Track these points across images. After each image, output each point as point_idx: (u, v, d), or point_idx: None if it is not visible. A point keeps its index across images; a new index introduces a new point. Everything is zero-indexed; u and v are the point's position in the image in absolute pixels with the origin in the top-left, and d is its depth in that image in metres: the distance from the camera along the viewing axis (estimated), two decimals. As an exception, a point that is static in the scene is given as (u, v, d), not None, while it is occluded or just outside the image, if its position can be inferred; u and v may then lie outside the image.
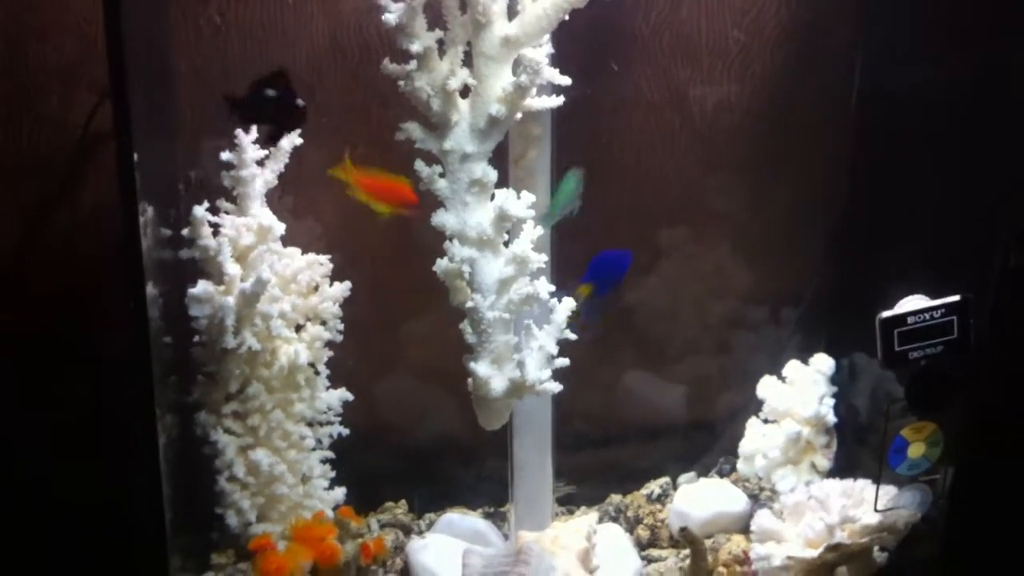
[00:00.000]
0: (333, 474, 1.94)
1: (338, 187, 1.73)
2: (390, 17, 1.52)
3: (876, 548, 1.78)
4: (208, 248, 1.73)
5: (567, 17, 1.57)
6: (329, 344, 1.88)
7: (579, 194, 1.68)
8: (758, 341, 2.14)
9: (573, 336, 1.66)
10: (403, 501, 2.06)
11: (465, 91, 1.61)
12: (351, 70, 1.85)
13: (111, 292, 1.71)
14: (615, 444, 2.13)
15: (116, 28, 1.43)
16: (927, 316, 1.61)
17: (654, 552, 1.96)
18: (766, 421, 2.08)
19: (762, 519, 1.80)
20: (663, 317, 2.09)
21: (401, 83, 1.59)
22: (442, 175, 1.62)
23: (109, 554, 1.92)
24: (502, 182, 1.66)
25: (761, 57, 1.98)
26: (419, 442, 2.05)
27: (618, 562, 1.88)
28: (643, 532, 1.99)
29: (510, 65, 1.59)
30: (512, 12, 1.58)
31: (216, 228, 1.76)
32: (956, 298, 1.61)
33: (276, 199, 1.83)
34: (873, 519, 1.72)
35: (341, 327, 1.88)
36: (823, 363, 2.04)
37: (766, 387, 2.06)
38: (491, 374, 1.64)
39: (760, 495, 2.04)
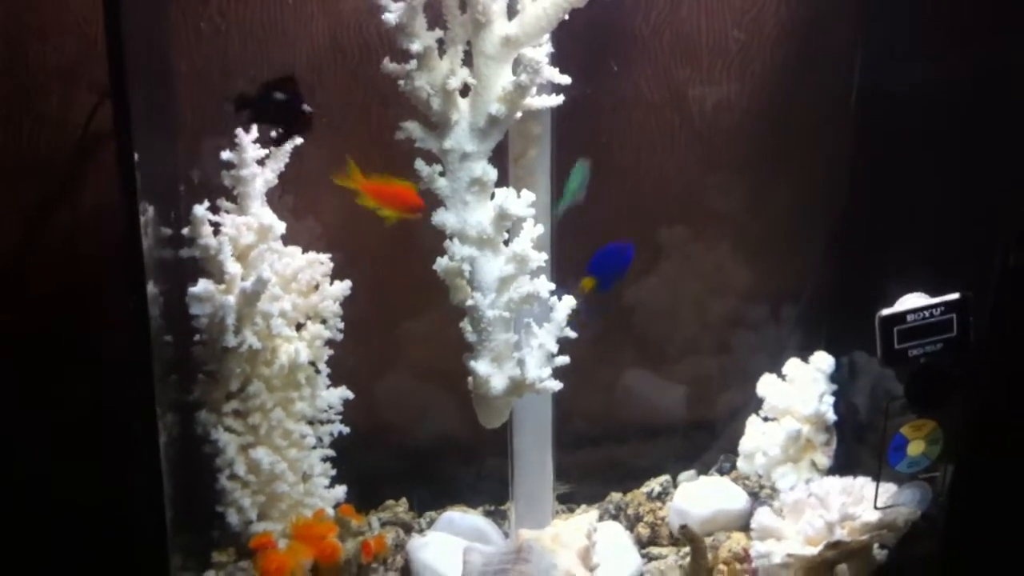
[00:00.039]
0: (334, 472, 1.95)
1: (338, 186, 1.73)
2: (390, 17, 1.53)
3: (876, 545, 1.78)
4: (209, 247, 1.73)
5: (567, 16, 1.57)
6: (329, 343, 1.89)
7: (586, 184, 1.69)
8: (758, 340, 2.14)
9: (573, 334, 1.67)
10: (403, 499, 2.06)
11: (465, 90, 1.61)
12: (351, 70, 1.85)
13: (111, 292, 1.72)
14: (615, 442, 2.13)
15: (116, 27, 1.44)
16: (927, 314, 1.61)
17: (654, 550, 1.96)
18: (766, 419, 2.09)
19: (762, 517, 1.80)
20: (663, 316, 2.09)
21: (401, 82, 1.59)
22: (442, 174, 1.62)
23: (109, 554, 1.93)
24: (502, 181, 1.66)
25: (761, 56, 1.98)
26: (419, 440, 2.05)
27: (618, 560, 1.88)
28: (643, 530, 1.99)
29: (510, 64, 1.60)
30: (512, 12, 1.58)
31: (217, 227, 1.76)
32: (956, 296, 1.61)
33: (276, 198, 1.83)
34: (873, 517, 1.72)
35: (341, 326, 1.88)
36: (823, 361, 2.04)
37: (766, 385, 2.07)
38: (491, 372, 1.65)
39: (760, 493, 2.05)
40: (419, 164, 1.62)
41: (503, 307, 1.63)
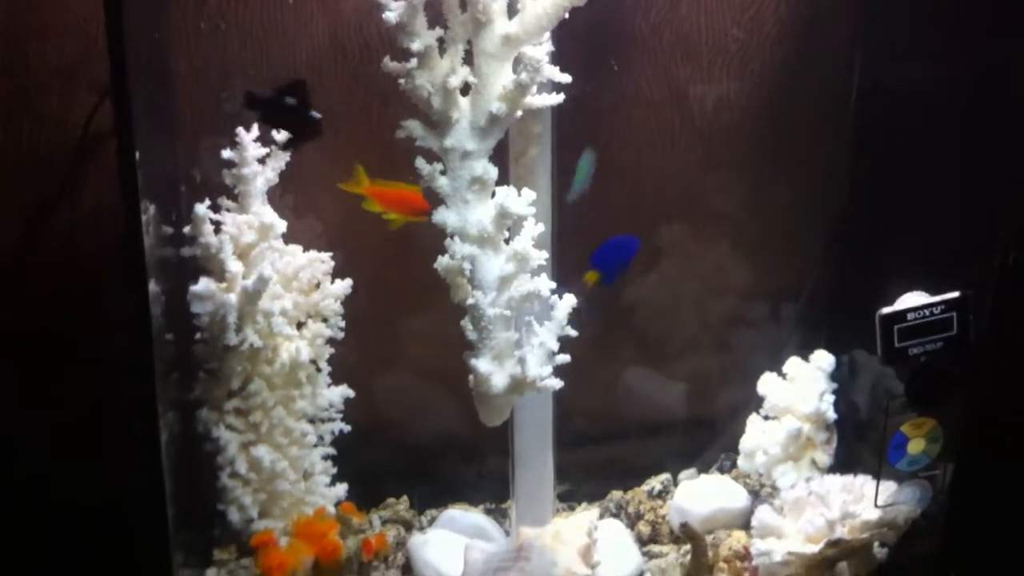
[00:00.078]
0: (335, 470, 1.95)
1: (339, 185, 1.74)
2: (391, 15, 1.53)
3: (876, 544, 1.79)
4: (210, 246, 1.73)
5: (567, 15, 1.57)
6: (331, 341, 1.89)
7: (592, 173, 1.70)
8: (758, 338, 2.14)
9: (574, 333, 1.67)
10: (405, 497, 2.07)
11: (465, 89, 1.61)
12: (351, 70, 1.85)
13: (111, 292, 1.72)
14: (616, 440, 2.13)
15: (117, 24, 1.44)
16: (927, 312, 1.61)
17: (655, 548, 1.96)
18: (767, 418, 2.09)
19: (763, 515, 1.80)
20: (664, 314, 2.09)
21: (402, 81, 1.59)
22: (443, 172, 1.62)
23: (110, 554, 1.93)
24: (503, 180, 1.66)
25: (761, 55, 1.98)
26: (420, 438, 2.05)
27: (619, 558, 1.88)
28: (644, 528, 1.99)
29: (510, 63, 1.60)
30: (512, 10, 1.58)
31: (218, 226, 1.76)
32: (956, 294, 1.61)
33: (277, 197, 1.84)
34: (873, 515, 1.72)
35: (342, 324, 1.88)
36: (823, 360, 2.05)
37: (767, 384, 2.07)
38: (492, 370, 1.65)
39: (761, 491, 2.05)
40: (420, 162, 1.62)
41: (504, 305, 1.63)
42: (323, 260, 1.87)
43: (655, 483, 2.08)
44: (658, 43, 1.94)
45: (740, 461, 2.12)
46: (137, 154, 1.48)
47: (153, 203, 1.57)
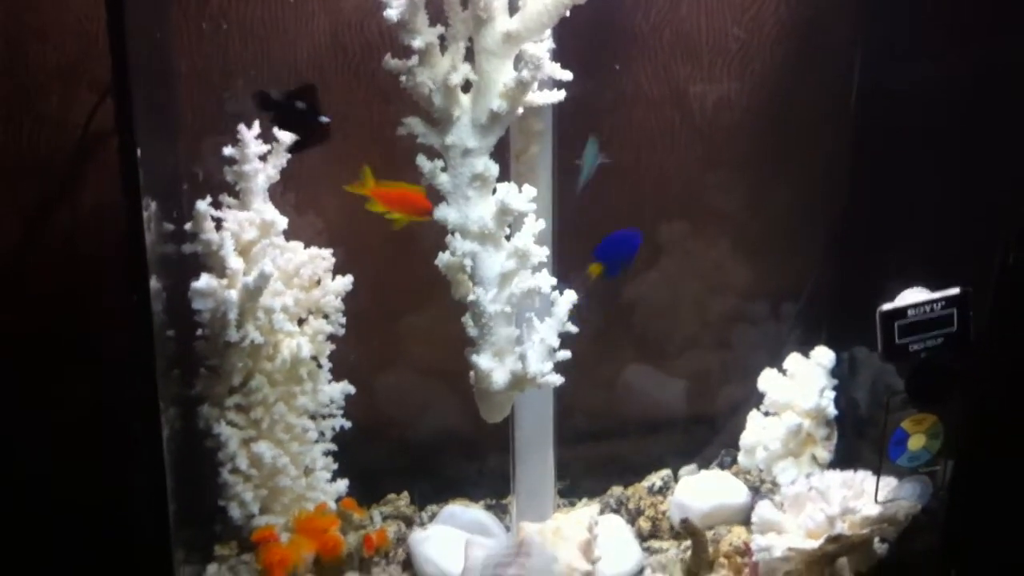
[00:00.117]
0: (336, 466, 1.95)
1: (340, 182, 1.74)
2: (392, 13, 1.53)
3: (876, 539, 1.79)
4: (211, 242, 1.74)
5: (568, 13, 1.57)
6: (331, 338, 1.89)
7: (597, 159, 1.73)
8: (759, 335, 2.14)
9: (574, 329, 1.67)
10: (405, 493, 2.07)
11: (467, 86, 1.61)
12: (352, 68, 1.85)
13: (112, 291, 1.71)
14: (617, 437, 2.14)
15: (119, 21, 1.44)
16: (927, 309, 1.61)
17: (655, 543, 1.97)
18: (767, 414, 2.09)
19: (763, 510, 1.80)
20: (665, 311, 2.10)
21: (403, 78, 1.59)
22: (444, 170, 1.63)
23: (110, 554, 1.93)
24: (504, 177, 1.67)
25: (761, 55, 1.98)
26: (421, 435, 2.06)
27: (620, 553, 1.89)
28: (644, 524, 2.00)
29: (511, 60, 1.60)
30: (513, 8, 1.58)
31: (219, 223, 1.76)
32: (956, 291, 1.61)
33: (278, 194, 1.84)
34: (873, 510, 1.72)
35: (343, 321, 1.89)
36: (823, 356, 2.05)
37: (767, 380, 2.07)
38: (493, 367, 1.65)
39: (761, 487, 2.05)
40: (421, 160, 1.62)
41: (504, 302, 1.63)
42: (324, 257, 1.87)
43: (655, 479, 2.09)
44: (658, 42, 1.94)
45: (740, 457, 2.12)
46: (139, 151, 1.49)
47: (154, 200, 1.57)
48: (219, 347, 1.78)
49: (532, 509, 1.88)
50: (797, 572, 1.75)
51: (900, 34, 1.89)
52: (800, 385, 2.04)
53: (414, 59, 1.58)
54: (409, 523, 2.01)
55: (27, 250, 1.87)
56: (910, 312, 1.61)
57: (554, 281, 1.66)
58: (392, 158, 1.67)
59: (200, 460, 1.82)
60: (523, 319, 1.66)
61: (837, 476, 1.82)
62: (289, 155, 1.79)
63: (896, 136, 1.91)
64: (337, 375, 1.92)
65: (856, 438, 2.00)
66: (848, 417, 2.02)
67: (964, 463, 1.69)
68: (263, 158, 1.79)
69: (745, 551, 1.86)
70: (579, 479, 2.08)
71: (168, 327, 1.67)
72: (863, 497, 1.75)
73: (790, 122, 2.03)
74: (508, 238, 1.65)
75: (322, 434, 1.92)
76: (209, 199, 1.74)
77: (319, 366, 1.90)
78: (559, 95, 1.65)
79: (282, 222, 1.82)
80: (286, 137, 1.77)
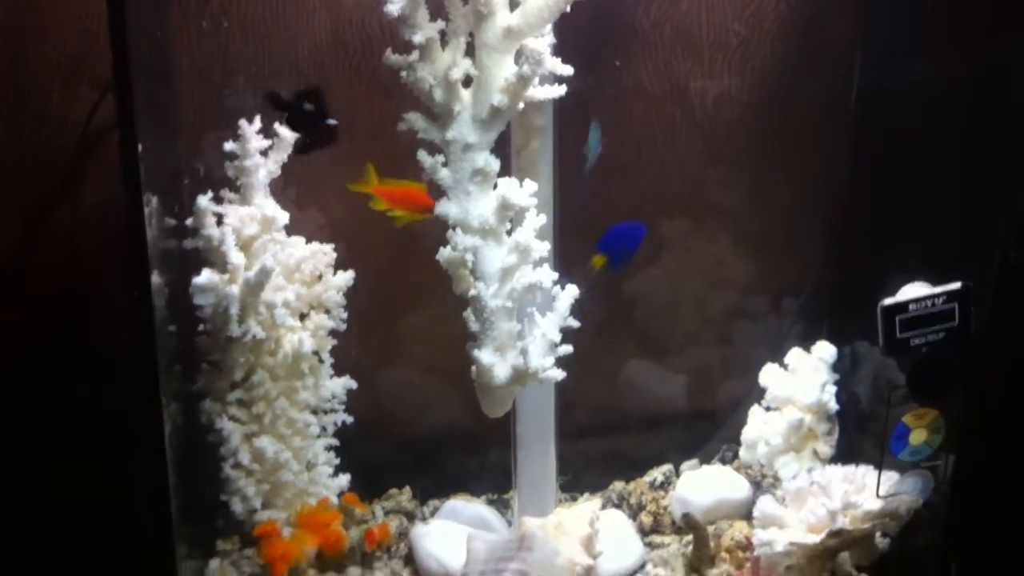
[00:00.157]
0: (338, 461, 1.95)
1: (341, 178, 1.74)
2: (392, 8, 1.53)
3: (878, 534, 1.79)
4: (212, 238, 1.74)
5: (568, 8, 1.57)
6: (333, 333, 1.89)
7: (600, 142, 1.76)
8: (760, 330, 2.14)
9: (576, 324, 1.67)
10: (407, 488, 2.07)
11: (467, 81, 1.61)
12: (353, 64, 1.85)
13: (113, 287, 1.71)
14: (618, 432, 2.14)
15: (120, 15, 1.44)
16: (928, 303, 1.61)
17: (657, 538, 1.97)
18: (768, 409, 2.09)
19: (764, 505, 1.80)
20: (666, 307, 2.10)
21: (403, 74, 1.60)
22: (445, 165, 1.63)
23: (110, 554, 1.93)
24: (504, 172, 1.67)
25: (762, 50, 1.98)
26: (422, 430, 2.06)
27: (621, 548, 1.89)
28: (646, 518, 2.00)
29: (512, 55, 1.60)
30: (514, 3, 1.58)
31: (220, 218, 1.76)
32: (957, 285, 1.61)
33: (279, 189, 1.84)
34: (875, 505, 1.73)
35: (345, 316, 1.89)
36: (825, 351, 2.05)
37: (768, 375, 2.07)
38: (494, 362, 1.65)
39: (762, 482, 2.05)
40: (422, 155, 1.62)
41: (506, 297, 1.63)
42: (325, 252, 1.87)
43: (657, 474, 2.09)
44: (659, 37, 1.94)
45: (742, 452, 2.12)
46: (140, 146, 1.49)
47: (155, 196, 1.58)
48: (221, 342, 1.78)
49: (534, 504, 1.89)
50: (798, 566, 1.75)
51: (900, 32, 1.89)
52: (801, 380, 2.04)
53: (415, 54, 1.58)
54: (411, 518, 2.01)
55: (27, 249, 1.87)
56: (911, 307, 1.62)
57: (555, 276, 1.66)
58: (393, 154, 1.67)
59: (202, 455, 1.82)
60: (524, 314, 1.67)
61: (838, 471, 1.82)
62: (297, 155, 1.79)
63: (897, 132, 1.91)
64: (339, 370, 1.92)
65: (857, 433, 2.00)
66: (849, 412, 2.02)
67: (965, 457, 1.69)
68: (264, 153, 1.79)
69: (746, 546, 1.86)
70: (581, 474, 2.08)
71: (170, 322, 1.67)
72: (864, 492, 1.76)
73: (791, 118, 2.03)
74: (509, 233, 1.65)
75: (324, 429, 1.93)
76: (210, 194, 1.74)
77: (321, 361, 1.90)
78: (560, 90, 1.65)
79: (283, 217, 1.82)
80: (288, 133, 1.77)
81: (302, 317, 1.87)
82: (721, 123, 2.00)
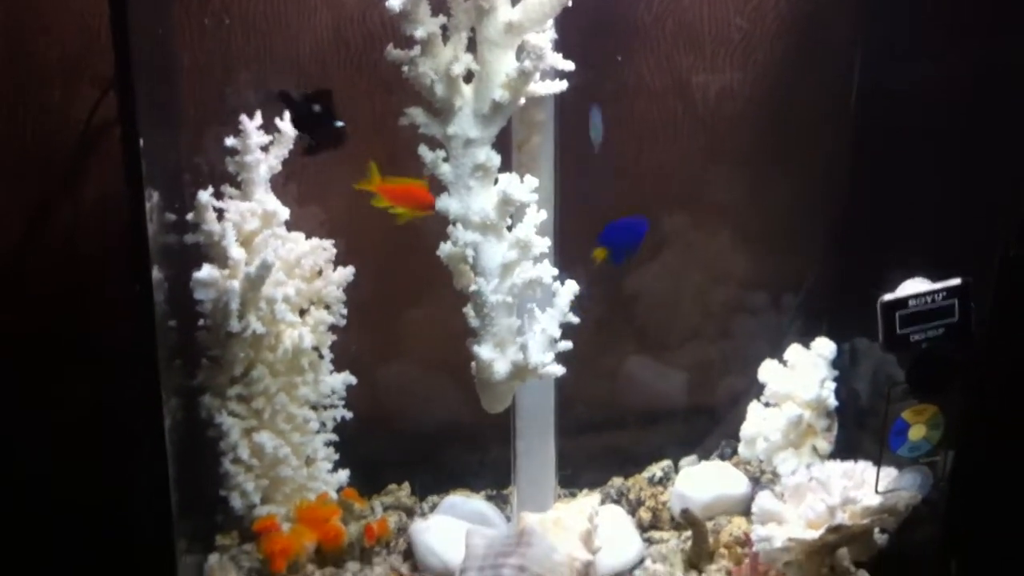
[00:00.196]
0: (337, 457, 1.95)
1: (341, 174, 1.74)
2: (394, 3, 1.53)
3: (877, 530, 1.79)
4: (212, 233, 1.74)
5: (570, 3, 1.57)
6: (333, 328, 1.89)
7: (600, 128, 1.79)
8: (759, 326, 2.14)
9: (576, 320, 1.67)
10: (406, 484, 2.07)
11: (468, 76, 1.61)
12: (355, 60, 1.85)
13: (114, 283, 1.72)
14: (617, 427, 2.14)
15: (122, 13, 1.44)
16: (928, 299, 1.61)
17: (656, 534, 1.97)
18: (767, 405, 2.09)
19: (763, 501, 1.80)
20: (666, 302, 2.10)
21: (405, 69, 1.60)
22: (446, 160, 1.63)
23: (110, 554, 1.94)
24: (505, 167, 1.67)
25: (763, 44, 1.98)
26: (422, 425, 2.06)
27: (620, 544, 1.89)
28: (645, 514, 2.00)
29: (513, 51, 1.60)
30: (515, -2, 1.59)
31: (220, 213, 1.76)
32: (957, 281, 1.61)
33: (280, 184, 1.84)
34: (874, 501, 1.73)
35: (345, 311, 1.89)
36: (824, 347, 2.05)
37: (767, 371, 2.07)
38: (494, 357, 1.65)
39: (761, 478, 2.06)
40: (423, 150, 1.62)
41: (506, 292, 1.63)
42: (325, 248, 1.87)
43: (656, 470, 2.09)
44: (661, 32, 1.94)
45: (741, 448, 2.12)
46: (141, 141, 1.49)
47: (156, 191, 1.57)
48: (221, 337, 1.78)
49: (533, 499, 1.89)
50: (797, 562, 1.76)
51: (901, 29, 1.89)
52: (801, 376, 2.04)
53: (416, 49, 1.58)
54: (410, 513, 2.01)
55: (28, 247, 1.87)
56: (911, 302, 1.62)
57: (555, 272, 1.66)
58: (394, 149, 1.67)
59: (202, 450, 1.82)
60: (524, 310, 1.67)
61: (837, 466, 1.81)
62: (304, 156, 1.79)
63: (898, 128, 1.91)
64: (338, 366, 1.92)
65: (857, 429, 2.00)
66: (849, 408, 2.02)
67: (965, 453, 1.69)
68: (265, 149, 1.79)
69: (745, 541, 1.86)
70: (580, 469, 2.08)
71: (170, 317, 1.67)
72: (863, 487, 1.76)
73: (792, 113, 2.03)
74: (510, 228, 1.65)
75: (323, 424, 1.93)
76: (211, 190, 1.74)
77: (320, 356, 1.90)
78: (561, 85, 1.65)
79: (284, 212, 1.82)
80: (289, 128, 1.77)
81: (302, 313, 1.87)
82: (723, 118, 2.00)
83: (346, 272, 1.87)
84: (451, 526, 1.89)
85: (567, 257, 1.75)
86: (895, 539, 1.80)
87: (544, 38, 1.59)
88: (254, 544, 1.81)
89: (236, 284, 1.72)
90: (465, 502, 1.99)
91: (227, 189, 1.79)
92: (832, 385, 2.03)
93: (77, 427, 1.92)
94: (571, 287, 1.68)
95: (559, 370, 1.67)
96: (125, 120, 1.48)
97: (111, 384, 1.83)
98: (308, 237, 1.87)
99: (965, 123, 1.73)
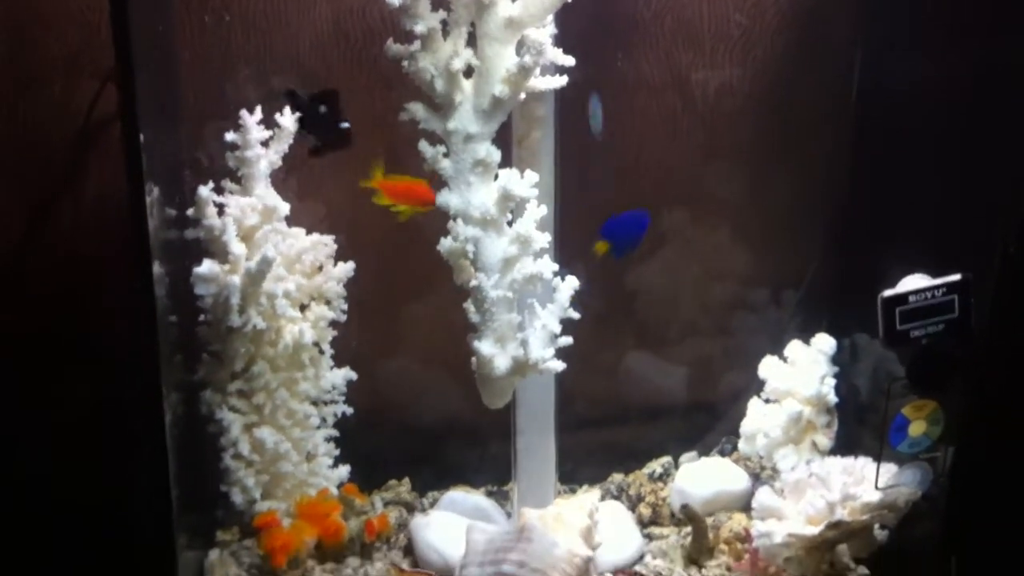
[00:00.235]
0: (337, 452, 1.95)
1: (342, 169, 1.75)
2: (394, -2, 1.53)
3: (876, 526, 1.79)
4: (213, 228, 1.74)
5: (570, -1, 1.57)
6: (333, 324, 1.89)
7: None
8: (760, 322, 2.14)
9: (576, 315, 1.67)
10: (406, 479, 2.07)
11: (468, 72, 1.61)
12: (355, 55, 1.85)
13: (114, 279, 1.72)
14: (618, 423, 2.14)
15: (122, 8, 1.44)
16: (928, 295, 1.61)
17: (656, 530, 1.97)
18: (767, 401, 2.09)
19: (763, 496, 1.81)
20: (666, 298, 2.10)
21: (405, 64, 1.60)
22: (446, 155, 1.63)
23: (110, 554, 1.94)
24: (505, 163, 1.67)
25: (763, 41, 1.98)
26: (422, 421, 2.06)
27: (620, 539, 1.89)
28: (645, 510, 2.00)
29: (514, 46, 1.60)
30: (515, -7, 1.59)
31: (221, 208, 1.76)
32: (957, 277, 1.61)
33: (280, 180, 1.84)
34: (874, 497, 1.73)
35: (345, 307, 1.89)
36: (824, 343, 2.05)
37: (768, 367, 2.07)
38: (494, 353, 1.66)
39: (761, 474, 2.06)
40: (423, 145, 1.62)
41: (506, 288, 1.64)
42: (326, 243, 1.87)
43: (656, 466, 2.09)
44: (660, 28, 1.94)
45: (741, 444, 2.12)
46: (141, 136, 1.49)
47: (157, 186, 1.57)
48: (221, 332, 1.78)
49: (533, 495, 1.89)
50: (797, 558, 1.76)
51: (901, 24, 1.89)
52: (801, 372, 2.04)
53: (416, 44, 1.58)
54: (410, 509, 2.01)
55: (28, 246, 1.87)
56: (911, 298, 1.62)
57: (556, 267, 1.66)
58: (394, 144, 1.67)
59: (202, 446, 1.82)
60: (525, 305, 1.67)
61: (837, 462, 1.82)
62: (312, 157, 1.79)
63: (898, 125, 1.91)
64: (339, 361, 1.92)
65: (857, 425, 2.00)
66: (849, 404, 2.02)
67: (965, 449, 1.69)
68: (265, 144, 1.78)
69: (745, 537, 1.86)
70: (580, 465, 2.08)
71: (171, 313, 1.67)
72: (863, 483, 1.76)
73: (792, 109, 2.03)
74: (510, 224, 1.65)
75: (324, 420, 1.93)
76: (211, 185, 1.74)
77: (321, 352, 1.90)
78: (561, 81, 1.65)
79: (284, 208, 1.81)
80: (288, 123, 1.77)
81: (302, 308, 1.87)
82: (723, 114, 2.00)
83: (346, 268, 1.87)
84: (451, 522, 1.89)
85: (567, 252, 1.75)
86: (895, 535, 1.80)
87: (544, 33, 1.59)
88: (254, 540, 1.81)
89: (236, 279, 1.72)
90: (465, 498, 1.99)
91: (227, 184, 1.79)
92: (832, 381, 2.03)
93: (77, 427, 1.92)
94: (571, 283, 1.68)
95: (559, 366, 1.67)
96: (126, 115, 1.48)
97: (111, 384, 1.84)
98: (309, 232, 1.87)
99: (968, 114, 1.72)
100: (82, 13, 1.77)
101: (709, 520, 1.91)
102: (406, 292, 1.98)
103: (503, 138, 1.66)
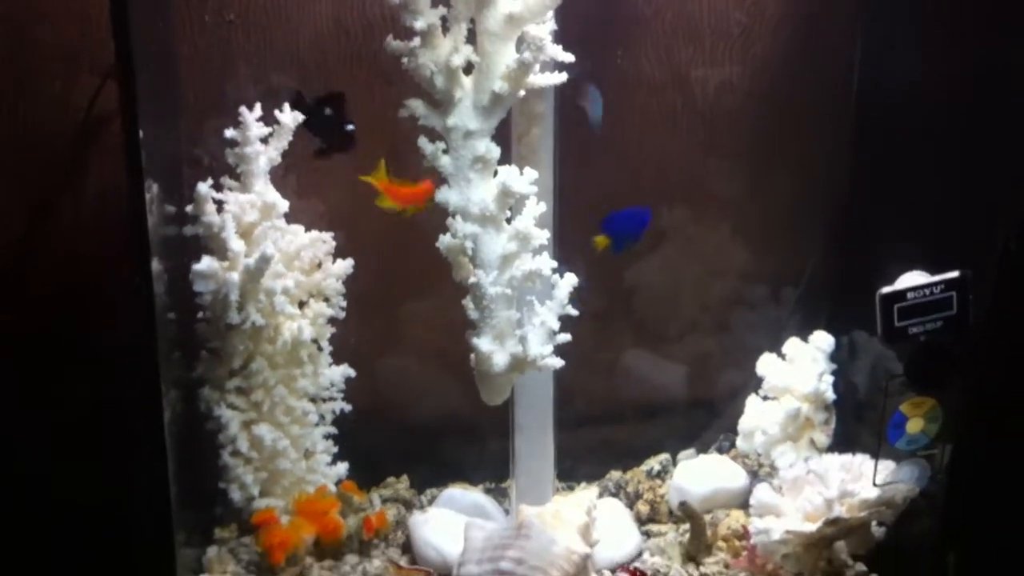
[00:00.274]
0: (336, 449, 1.95)
1: (342, 166, 1.74)
2: (394, -5, 1.54)
3: (874, 523, 1.80)
4: (212, 224, 1.74)
5: (570, -5, 1.57)
6: (332, 321, 1.89)
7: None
8: (758, 319, 2.14)
9: (575, 312, 1.68)
10: (405, 477, 2.07)
11: (468, 68, 1.61)
12: (355, 51, 1.85)
13: (113, 278, 1.72)
14: (616, 421, 2.14)
15: (122, 4, 1.44)
16: (927, 292, 1.62)
17: (654, 527, 1.97)
18: (766, 398, 2.09)
19: (761, 494, 1.81)
20: (665, 296, 2.10)
21: (405, 60, 1.60)
22: (445, 152, 1.63)
23: (110, 554, 1.94)
24: (505, 159, 1.67)
25: (763, 38, 1.98)
26: (421, 418, 2.06)
27: (618, 536, 1.89)
28: (643, 507, 2.00)
29: (513, 42, 1.60)
30: (516, -10, 1.59)
31: (220, 205, 1.76)
32: (955, 274, 1.61)
33: (279, 177, 1.84)
34: (871, 494, 1.73)
35: (344, 304, 1.89)
36: (822, 340, 2.05)
37: (766, 364, 2.07)
38: (493, 349, 1.66)
39: (759, 471, 2.06)
40: (423, 142, 1.63)
41: (505, 284, 1.64)
42: (325, 240, 1.87)
43: (654, 463, 2.09)
44: (660, 25, 1.94)
45: (739, 441, 2.12)
46: (141, 133, 1.49)
47: (156, 183, 1.57)
48: (220, 329, 1.78)
49: (531, 492, 1.89)
50: (795, 555, 1.76)
51: (901, 22, 1.89)
52: (799, 369, 2.04)
53: (416, 41, 1.58)
54: (409, 506, 2.01)
55: (28, 245, 1.86)
56: (910, 295, 1.62)
57: (555, 264, 1.66)
58: (394, 141, 1.67)
59: (201, 443, 1.82)
60: (523, 302, 1.67)
61: (835, 459, 1.82)
62: (317, 159, 1.79)
63: (898, 123, 1.91)
64: (337, 358, 1.92)
65: (855, 422, 2.00)
66: (847, 401, 2.02)
67: (962, 446, 1.69)
68: (264, 140, 1.78)
69: (743, 534, 1.86)
70: (578, 462, 2.08)
71: (169, 309, 1.67)
72: (861, 480, 1.76)
73: (792, 106, 2.04)
74: (509, 221, 1.65)
75: (322, 417, 1.93)
76: (210, 181, 1.74)
77: (320, 349, 1.90)
78: (561, 77, 1.65)
79: (283, 205, 1.81)
80: (288, 120, 1.77)
81: (301, 305, 1.87)
82: (722, 111, 2.00)
83: (345, 264, 1.87)
84: (450, 519, 1.89)
85: (566, 249, 1.75)
86: (893, 532, 1.81)
87: (544, 30, 1.59)
88: (253, 537, 1.81)
89: (235, 276, 1.72)
90: (464, 495, 1.99)
91: (227, 181, 1.79)
92: (830, 378, 2.03)
93: (77, 427, 1.92)
94: (570, 280, 1.68)
95: (558, 362, 1.67)
96: (126, 111, 1.48)
97: (111, 383, 1.84)
98: (307, 229, 1.87)
99: (968, 112, 1.73)
100: (82, 8, 1.77)
101: (707, 517, 1.91)
102: (405, 289, 1.98)
103: (503, 135, 1.66)
